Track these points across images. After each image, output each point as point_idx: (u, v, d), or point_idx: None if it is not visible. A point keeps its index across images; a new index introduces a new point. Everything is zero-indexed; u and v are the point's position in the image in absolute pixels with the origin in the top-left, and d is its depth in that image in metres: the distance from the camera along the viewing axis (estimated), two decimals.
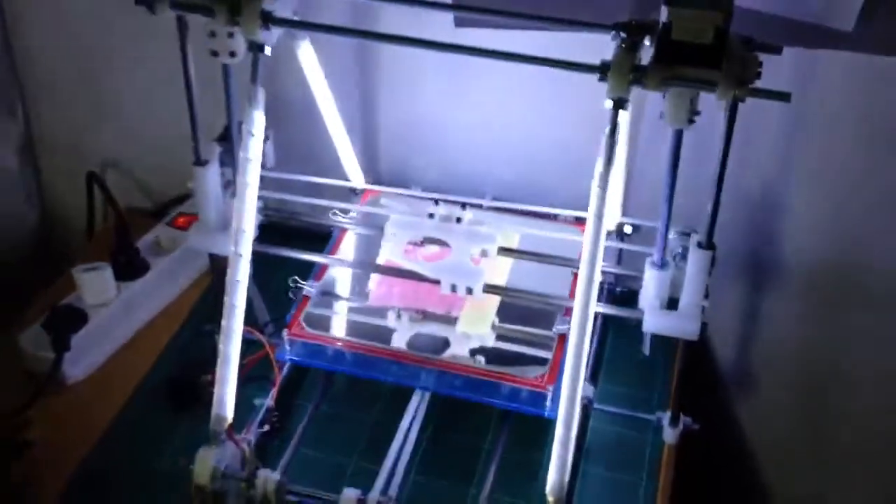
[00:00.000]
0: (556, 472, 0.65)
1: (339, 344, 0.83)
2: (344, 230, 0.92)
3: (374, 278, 0.89)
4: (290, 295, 0.86)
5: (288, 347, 0.83)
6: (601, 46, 0.62)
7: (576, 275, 0.71)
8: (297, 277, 0.86)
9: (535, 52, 0.65)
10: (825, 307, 0.81)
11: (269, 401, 0.83)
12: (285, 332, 0.83)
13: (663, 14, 0.59)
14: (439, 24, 0.79)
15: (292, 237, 0.86)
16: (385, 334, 0.84)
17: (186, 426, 0.85)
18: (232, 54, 0.71)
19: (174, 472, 0.74)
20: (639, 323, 0.74)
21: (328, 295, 0.88)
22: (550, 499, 0.65)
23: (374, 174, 0.99)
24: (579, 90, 0.68)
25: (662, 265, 0.73)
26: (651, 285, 0.73)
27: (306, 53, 0.82)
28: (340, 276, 0.91)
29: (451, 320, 0.84)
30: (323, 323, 0.85)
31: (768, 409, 0.90)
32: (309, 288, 0.86)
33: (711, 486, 0.97)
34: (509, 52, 0.65)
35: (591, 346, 0.85)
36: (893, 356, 0.77)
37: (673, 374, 0.88)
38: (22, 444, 0.83)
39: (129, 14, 0.71)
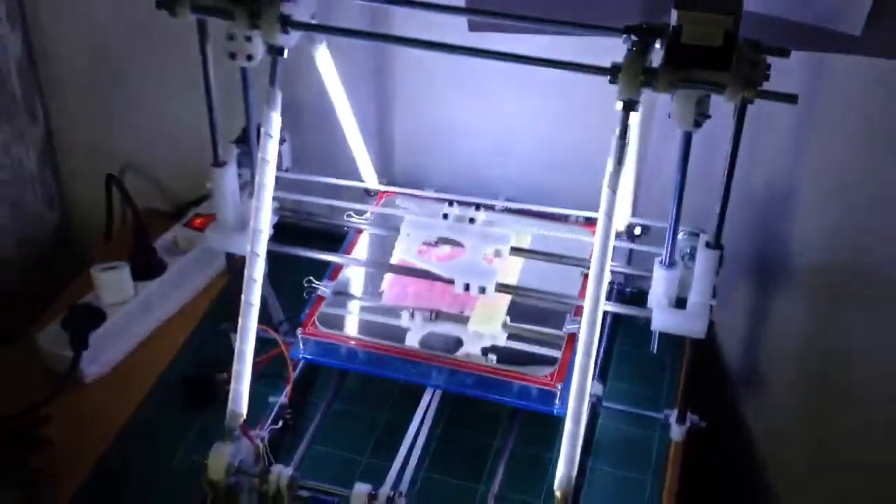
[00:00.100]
0: (564, 468, 0.65)
1: (352, 343, 0.84)
2: (359, 231, 0.93)
3: (388, 278, 0.90)
4: (305, 294, 0.87)
5: (302, 346, 0.84)
6: (610, 49, 0.63)
7: (586, 275, 0.72)
8: (311, 277, 0.87)
9: (546, 56, 0.66)
10: (832, 306, 0.81)
11: (283, 398, 0.83)
12: (299, 331, 0.84)
13: (673, 17, 0.60)
14: (453, 28, 0.80)
15: (308, 238, 0.87)
16: (398, 333, 0.85)
17: (201, 424, 0.85)
18: (249, 57, 0.72)
19: (189, 469, 0.74)
20: (647, 322, 0.75)
21: (342, 295, 0.89)
22: (558, 494, 0.65)
23: (388, 176, 1.00)
24: (590, 93, 0.69)
25: (671, 264, 0.73)
26: (659, 284, 0.74)
27: (323, 57, 0.83)
28: (354, 277, 0.92)
29: (463, 320, 0.85)
30: (337, 322, 0.86)
31: (774, 408, 0.90)
32: (323, 288, 0.87)
33: (717, 484, 0.97)
34: (522, 54, 0.66)
35: (600, 345, 0.85)
36: None
37: (680, 372, 0.89)
38: (40, 440, 0.84)
39: (149, 18, 0.73)
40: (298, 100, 0.92)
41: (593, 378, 0.68)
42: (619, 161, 0.64)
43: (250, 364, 0.74)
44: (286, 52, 0.71)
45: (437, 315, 0.86)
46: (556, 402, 0.78)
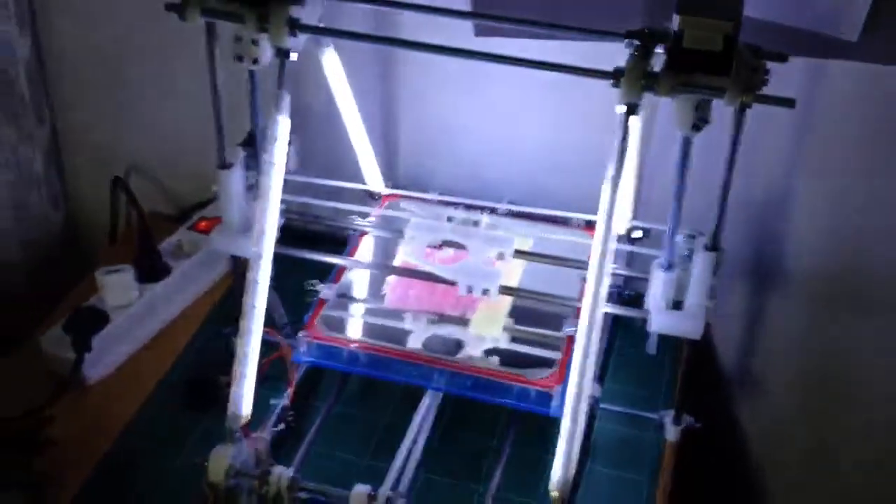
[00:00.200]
0: (561, 468, 0.66)
1: (354, 346, 0.84)
2: (362, 234, 0.94)
3: (390, 282, 0.91)
4: (308, 297, 0.87)
5: (304, 349, 0.84)
6: (613, 54, 0.64)
7: (586, 279, 0.72)
8: (314, 280, 0.88)
9: (550, 60, 0.66)
10: (828, 308, 0.82)
11: (285, 400, 0.83)
12: (302, 334, 0.84)
13: (675, 22, 0.61)
14: (458, 33, 0.80)
15: (311, 241, 0.87)
16: (400, 336, 0.86)
17: (204, 427, 0.86)
18: (255, 61, 0.72)
19: (191, 472, 0.74)
20: (645, 323, 0.75)
21: (345, 297, 0.89)
22: (555, 493, 0.66)
23: (392, 179, 1.00)
24: (593, 97, 0.70)
25: (669, 267, 0.74)
26: (657, 286, 0.75)
27: (330, 60, 0.84)
28: (357, 279, 0.92)
29: (465, 322, 0.86)
30: (339, 325, 0.87)
31: (769, 408, 0.91)
32: (326, 290, 0.88)
33: (712, 485, 0.97)
34: (525, 58, 0.67)
35: (599, 347, 0.86)
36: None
37: (677, 373, 0.90)
38: (43, 441, 0.84)
39: (156, 20, 0.73)
40: (304, 103, 0.92)
41: (592, 379, 0.69)
42: (620, 164, 0.65)
43: (254, 366, 0.74)
44: (294, 54, 0.72)
45: (439, 317, 0.86)
46: (554, 403, 0.79)
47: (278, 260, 0.76)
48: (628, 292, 0.93)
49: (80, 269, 1.03)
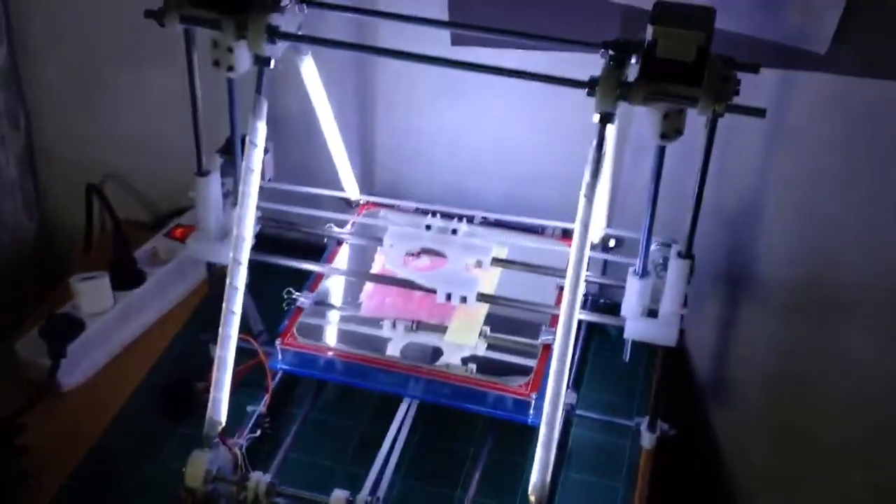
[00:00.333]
0: (538, 473, 0.66)
1: (331, 353, 0.84)
2: (339, 242, 0.94)
3: (368, 289, 0.91)
4: (285, 305, 0.87)
5: (280, 356, 0.84)
6: (588, 64, 0.65)
7: (561, 288, 0.73)
8: (291, 288, 0.88)
9: (526, 69, 0.67)
10: (800, 317, 0.83)
11: (262, 407, 0.83)
12: (278, 342, 0.84)
13: (649, 33, 0.62)
14: (436, 42, 0.81)
15: (288, 249, 0.87)
16: (378, 344, 0.86)
17: (180, 433, 0.86)
18: (230, 68, 0.72)
19: (167, 479, 0.74)
20: (620, 331, 0.76)
21: (322, 305, 0.90)
22: (532, 498, 0.66)
23: (369, 187, 1.01)
24: (569, 106, 0.70)
25: (644, 274, 0.75)
26: (632, 293, 0.75)
27: (308, 68, 0.84)
28: (334, 287, 0.92)
29: (443, 330, 0.86)
30: (316, 333, 0.87)
31: (743, 416, 0.91)
32: (303, 299, 0.88)
33: (687, 491, 0.98)
34: (502, 67, 0.67)
35: (574, 355, 0.87)
36: (867, 365, 0.79)
37: (652, 381, 0.90)
38: (18, 449, 0.83)
39: (132, 27, 0.74)
40: (281, 110, 0.92)
41: (567, 386, 0.69)
42: (596, 172, 0.66)
43: (231, 372, 0.74)
44: (273, 62, 0.72)
45: (417, 325, 0.87)
46: (531, 411, 0.79)
47: (254, 267, 0.77)
48: (604, 300, 0.94)
49: (55, 276, 1.03)
